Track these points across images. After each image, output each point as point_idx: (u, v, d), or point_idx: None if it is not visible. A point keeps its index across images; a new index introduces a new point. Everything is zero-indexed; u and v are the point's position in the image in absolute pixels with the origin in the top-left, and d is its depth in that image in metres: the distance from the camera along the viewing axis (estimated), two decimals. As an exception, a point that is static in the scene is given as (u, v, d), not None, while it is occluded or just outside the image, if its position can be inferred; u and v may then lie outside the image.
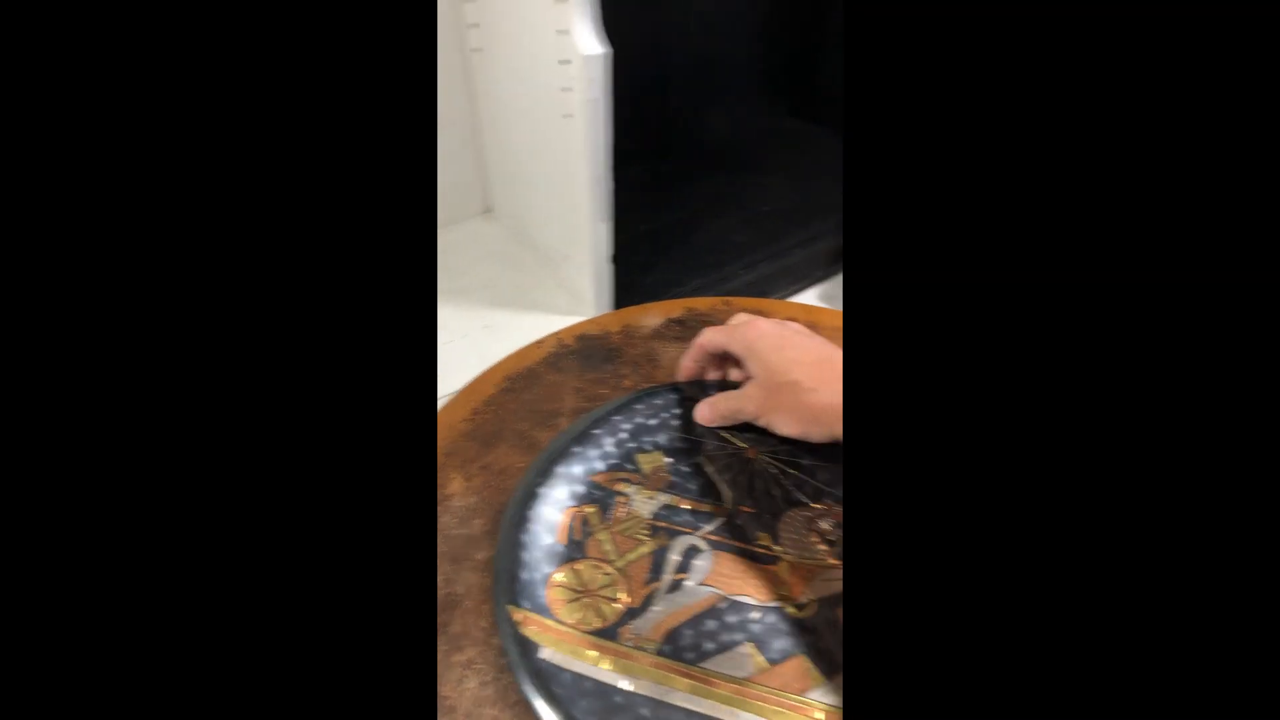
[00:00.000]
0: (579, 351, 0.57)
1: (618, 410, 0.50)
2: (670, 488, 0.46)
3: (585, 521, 0.44)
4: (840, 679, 0.37)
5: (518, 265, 1.25)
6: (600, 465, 0.47)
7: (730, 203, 1.34)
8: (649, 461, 0.48)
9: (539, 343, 0.58)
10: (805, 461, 0.47)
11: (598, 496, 0.45)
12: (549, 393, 0.54)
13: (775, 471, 0.47)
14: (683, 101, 1.40)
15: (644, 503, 0.45)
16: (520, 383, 0.54)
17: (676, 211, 1.31)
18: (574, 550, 0.43)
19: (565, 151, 0.97)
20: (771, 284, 1.22)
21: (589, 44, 0.85)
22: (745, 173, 1.41)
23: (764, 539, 0.43)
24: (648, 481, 0.47)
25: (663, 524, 0.44)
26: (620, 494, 0.46)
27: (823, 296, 1.28)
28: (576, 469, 0.46)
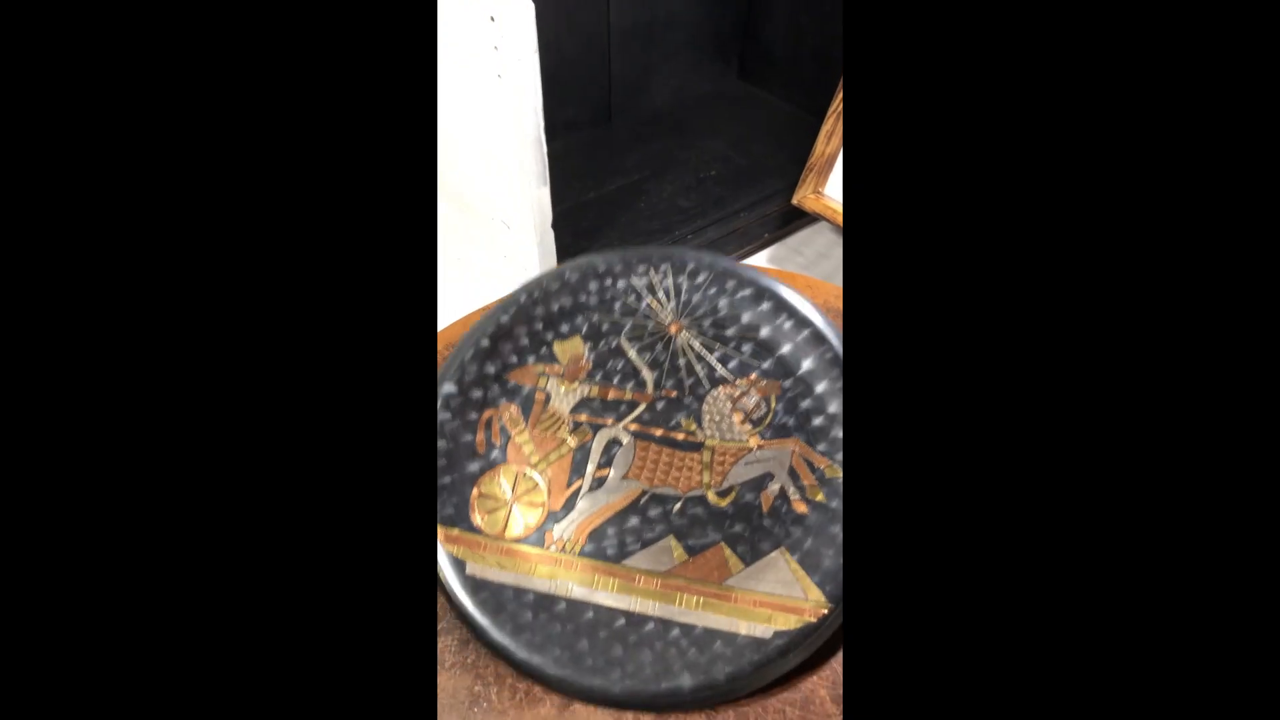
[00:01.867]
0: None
1: (526, 291, 0.45)
2: (590, 377, 0.44)
3: (503, 426, 0.41)
4: (760, 564, 0.37)
5: (459, 234, 1.22)
6: (514, 360, 0.44)
7: (677, 167, 1.32)
8: (567, 350, 0.45)
9: (485, 310, 0.55)
10: (730, 334, 0.44)
11: (515, 393, 0.43)
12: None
13: (699, 348, 0.44)
14: (626, 65, 1.38)
15: (564, 397, 0.43)
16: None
17: (622, 178, 1.29)
18: (495, 455, 0.41)
19: (499, 114, 0.95)
20: (720, 248, 1.20)
21: (515, -2, 0.83)
22: (691, 136, 1.40)
23: (687, 424, 0.42)
24: (567, 372, 0.44)
25: (584, 418, 0.42)
26: (539, 389, 0.43)
27: (772, 259, 1.27)
28: (490, 368, 0.43)
